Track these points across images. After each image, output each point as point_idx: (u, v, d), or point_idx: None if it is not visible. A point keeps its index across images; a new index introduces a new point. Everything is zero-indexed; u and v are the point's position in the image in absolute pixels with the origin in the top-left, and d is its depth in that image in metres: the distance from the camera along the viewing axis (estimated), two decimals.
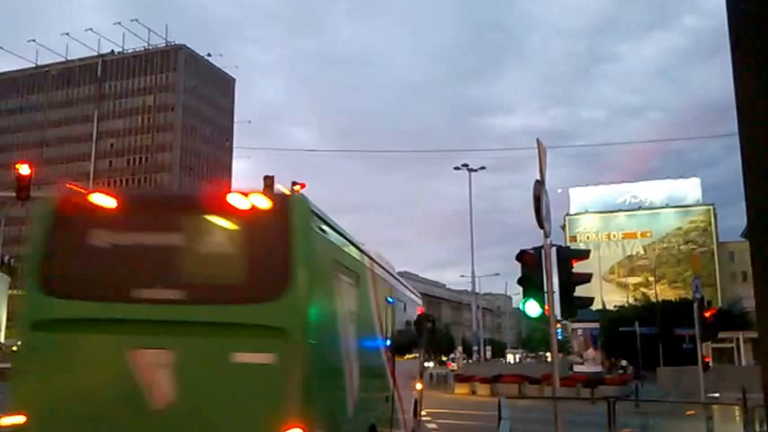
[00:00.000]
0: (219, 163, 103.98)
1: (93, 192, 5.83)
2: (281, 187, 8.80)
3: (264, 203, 5.50)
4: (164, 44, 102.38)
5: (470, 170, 46.25)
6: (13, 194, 18.24)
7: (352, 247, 7.16)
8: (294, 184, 20.86)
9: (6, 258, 78.29)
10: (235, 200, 5.44)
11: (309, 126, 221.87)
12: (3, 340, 78.28)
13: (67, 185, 8.10)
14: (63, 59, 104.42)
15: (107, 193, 5.71)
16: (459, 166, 46.26)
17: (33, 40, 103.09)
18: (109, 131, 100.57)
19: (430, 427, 17.49)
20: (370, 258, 8.22)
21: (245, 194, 5.49)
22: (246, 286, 5.41)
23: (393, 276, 10.37)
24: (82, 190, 6.12)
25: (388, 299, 9.32)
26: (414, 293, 13.14)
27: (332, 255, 6.26)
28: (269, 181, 20.94)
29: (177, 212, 5.84)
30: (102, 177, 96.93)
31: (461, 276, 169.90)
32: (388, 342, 8.91)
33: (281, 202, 5.66)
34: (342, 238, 6.72)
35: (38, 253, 5.72)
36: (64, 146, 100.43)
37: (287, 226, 5.41)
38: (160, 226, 5.72)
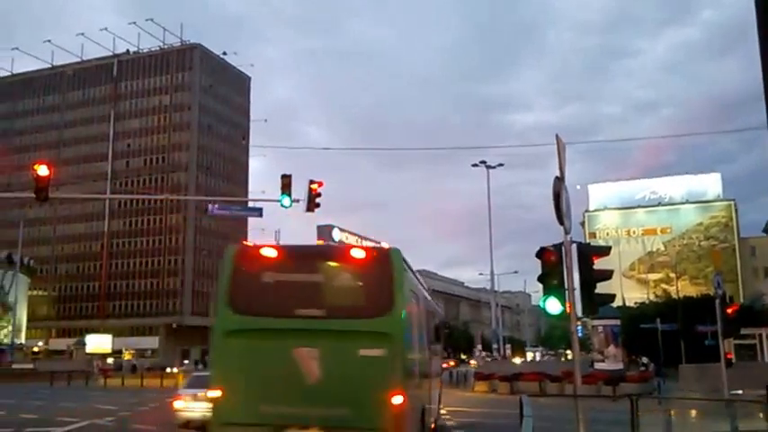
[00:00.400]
0: (236, 161, 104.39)
1: (264, 246, 9.07)
2: (381, 244, 10.73)
3: (374, 255, 8.90)
4: (179, 43, 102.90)
5: (488, 167, 46.02)
6: (33, 195, 18.38)
7: (415, 280, 10.34)
8: (312, 182, 20.88)
9: (26, 260, 79.32)
10: (355, 252, 8.81)
11: (324, 124, 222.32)
12: (24, 341, 79.53)
13: (242, 241, 10.74)
14: (79, 60, 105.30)
15: (272, 246, 9.05)
16: (477, 162, 46.03)
17: (49, 41, 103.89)
18: (125, 131, 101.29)
19: (450, 425, 17.37)
20: (422, 286, 11.83)
21: (363, 249, 8.95)
22: (365, 307, 8.60)
23: (429, 295, 13.71)
24: (253, 243, 9.45)
25: (428, 311, 12.30)
26: (438, 305, 16.98)
27: (409, 286, 9.41)
28: (286, 179, 21.00)
29: (318, 259, 9.23)
30: (120, 177, 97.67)
31: (480, 274, 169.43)
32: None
33: (385, 253, 8.92)
34: (412, 275, 9.81)
35: (226, 284, 8.82)
36: (81, 146, 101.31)
37: (389, 268, 8.65)
38: (307, 268, 8.98)
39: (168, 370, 56.89)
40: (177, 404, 16.78)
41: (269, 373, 8.31)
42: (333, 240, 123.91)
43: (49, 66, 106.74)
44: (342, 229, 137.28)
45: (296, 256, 9.28)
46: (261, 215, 24.52)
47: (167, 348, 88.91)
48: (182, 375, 46.47)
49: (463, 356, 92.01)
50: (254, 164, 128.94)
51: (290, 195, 20.21)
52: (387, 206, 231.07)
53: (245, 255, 9.05)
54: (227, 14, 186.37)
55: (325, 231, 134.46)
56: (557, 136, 10.17)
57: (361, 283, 8.93)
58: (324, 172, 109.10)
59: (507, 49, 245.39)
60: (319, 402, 8.13)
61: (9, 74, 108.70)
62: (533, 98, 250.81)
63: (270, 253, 8.89)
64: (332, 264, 9.14)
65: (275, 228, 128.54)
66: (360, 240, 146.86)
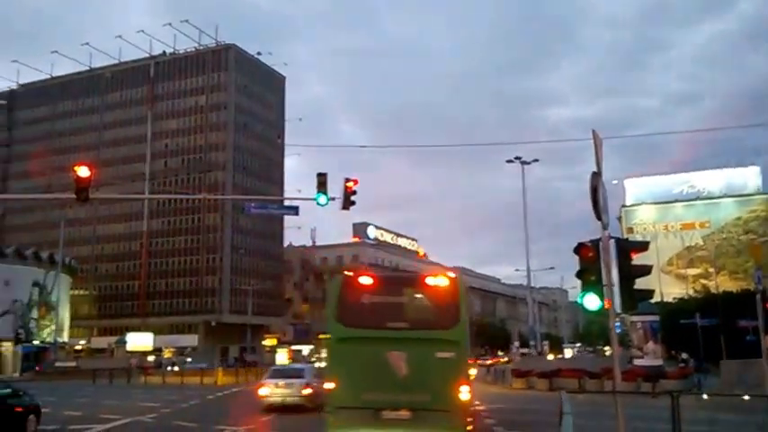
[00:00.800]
0: (271, 160, 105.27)
1: (362, 275, 12.08)
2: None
3: (445, 280, 11.66)
4: (214, 44, 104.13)
5: (523, 163, 45.55)
6: (74, 196, 18.78)
7: (466, 296, 12.52)
8: (347, 180, 20.97)
9: (68, 260, 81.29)
10: (429, 280, 11.68)
11: (358, 122, 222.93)
12: (66, 340, 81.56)
13: (344, 271, 13.83)
14: (116, 62, 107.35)
15: (368, 275, 12.10)
16: (512, 158, 45.59)
17: (87, 44, 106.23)
18: (163, 132, 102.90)
19: (489, 422, 17.31)
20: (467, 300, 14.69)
21: (435, 276, 11.73)
22: (438, 321, 11.46)
23: None
24: (353, 273, 12.36)
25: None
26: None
27: (466, 302, 12.11)
28: (322, 178, 21.14)
29: (402, 285, 12.95)
30: (158, 177, 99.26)
31: (516, 270, 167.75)
32: None
33: (453, 279, 11.80)
34: (465, 293, 12.50)
35: (335, 304, 11.73)
36: (119, 147, 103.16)
37: (455, 291, 11.64)
38: (395, 292, 12.21)
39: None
40: (262, 391, 21.52)
41: (369, 369, 11.23)
42: (368, 237, 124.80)
43: (88, 68, 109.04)
44: (377, 227, 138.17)
45: (386, 283, 13.12)
46: (297, 213, 24.71)
47: (206, 346, 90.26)
48: (221, 372, 47.25)
49: (500, 353, 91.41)
50: (290, 162, 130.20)
51: (325, 193, 20.31)
52: (421, 203, 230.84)
53: (349, 282, 12.10)
54: (261, 14, 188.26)
55: (360, 229, 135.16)
56: (593, 131, 10.07)
57: (434, 303, 11.90)
58: (358, 169, 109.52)
59: (541, 43, 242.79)
60: (407, 391, 11.05)
61: (49, 77, 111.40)
62: (568, 93, 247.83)
63: (367, 281, 12.00)
64: (413, 288, 12.33)
65: (311, 225, 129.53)
66: (395, 237, 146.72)
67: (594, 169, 9.84)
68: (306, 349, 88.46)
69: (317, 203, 20.38)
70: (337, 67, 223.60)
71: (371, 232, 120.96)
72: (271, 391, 21.03)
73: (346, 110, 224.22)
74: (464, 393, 11.03)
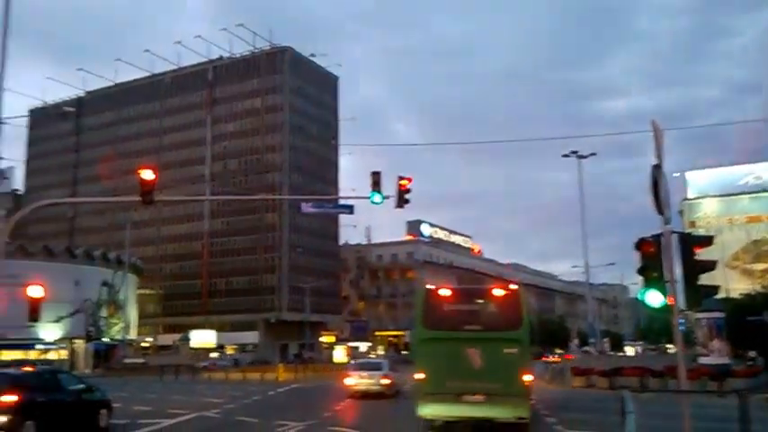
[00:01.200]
0: (326, 160, 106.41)
1: (442, 288, 15.03)
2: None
3: (508, 291, 14.55)
4: (269, 47, 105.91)
5: (580, 157, 44.66)
6: (139, 199, 19.47)
7: (526, 303, 15.19)
8: (401, 178, 21.04)
9: (134, 260, 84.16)
10: (496, 290, 14.64)
11: (411, 120, 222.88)
12: (135, 336, 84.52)
13: (427, 284, 16.80)
14: (176, 67, 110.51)
15: (447, 288, 15.06)
16: (568, 153, 44.74)
17: (148, 51, 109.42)
18: (221, 135, 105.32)
19: (549, 421, 17.12)
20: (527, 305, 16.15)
21: (501, 287, 14.75)
22: (505, 323, 14.11)
23: None
24: (435, 286, 15.27)
25: None
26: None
27: (526, 308, 14.86)
28: (376, 176, 21.26)
29: (475, 295, 15.50)
30: (218, 179, 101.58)
31: (573, 267, 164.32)
32: None
33: (516, 290, 14.68)
34: (525, 300, 15.15)
35: (421, 310, 14.73)
36: (180, 150, 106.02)
37: (518, 299, 14.43)
38: (469, 301, 15.06)
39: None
40: (348, 380, 26.05)
41: (450, 363, 14.08)
42: (422, 235, 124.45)
43: (149, 74, 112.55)
44: (431, 225, 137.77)
45: (461, 294, 15.63)
46: (352, 212, 24.83)
47: (267, 343, 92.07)
48: (282, 368, 48.16)
49: (558, 351, 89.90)
50: (344, 162, 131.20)
51: (379, 192, 20.38)
52: (475, 200, 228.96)
53: (431, 294, 15.02)
54: (314, 16, 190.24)
55: (414, 226, 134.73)
56: (653, 122, 9.85)
57: (501, 309, 14.61)
58: (412, 167, 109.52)
59: (596, 34, 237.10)
60: (481, 379, 13.84)
61: (113, 84, 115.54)
62: (625, 84, 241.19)
63: (445, 292, 14.98)
64: (483, 298, 15.12)
65: (366, 224, 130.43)
66: (449, 235, 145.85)
67: (655, 161, 9.63)
68: (363, 346, 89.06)
69: (372, 202, 20.47)
70: (389, 67, 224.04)
71: (426, 230, 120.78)
72: (356, 380, 25.56)
73: (399, 108, 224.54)
74: (526, 380, 13.98)
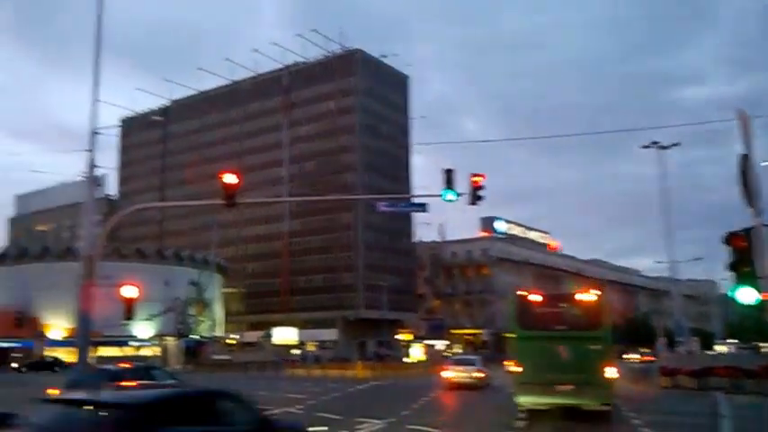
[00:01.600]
0: (398, 159, 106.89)
1: (532, 293, 17.76)
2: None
3: (592, 296, 17.05)
4: (341, 50, 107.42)
5: (661, 147, 42.96)
6: (222, 202, 20.27)
7: (607, 306, 17.96)
8: (474, 175, 20.94)
9: (219, 260, 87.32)
10: (579, 295, 17.25)
11: (483, 116, 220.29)
12: (221, 334, 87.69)
13: (517, 290, 19.14)
14: (253, 74, 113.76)
15: (537, 293, 17.86)
16: (648, 144, 43.13)
17: (228, 59, 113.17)
18: (298, 137, 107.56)
19: (635, 423, 16.64)
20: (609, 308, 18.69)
21: (585, 292, 17.25)
22: (589, 324, 16.77)
23: None
24: (527, 292, 17.99)
25: None
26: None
27: (608, 310, 17.67)
28: (449, 174, 21.26)
29: (562, 300, 18.75)
30: (295, 180, 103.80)
31: (657, 262, 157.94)
32: None
33: (598, 295, 17.11)
34: (607, 303, 17.83)
35: (515, 312, 17.46)
36: (259, 154, 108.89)
37: (600, 303, 17.14)
38: (557, 304, 17.98)
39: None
40: (445, 373, 29.70)
41: (542, 358, 16.49)
42: (496, 231, 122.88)
43: (229, 82, 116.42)
44: (507, 221, 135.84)
45: (549, 298, 18.19)
46: (425, 210, 24.71)
47: (345, 340, 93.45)
48: (360, 365, 48.81)
49: (643, 350, 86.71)
50: (416, 160, 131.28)
51: (452, 189, 20.34)
52: (552, 194, 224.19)
53: (523, 298, 17.59)
54: (385, 17, 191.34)
55: (488, 223, 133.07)
56: (739, 110, 9.43)
57: (585, 312, 16.99)
58: (485, 164, 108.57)
59: (673, 19, 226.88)
60: (569, 372, 16.12)
61: (196, 92, 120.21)
62: (706, 71, 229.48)
63: (536, 297, 17.56)
64: (569, 302, 17.80)
65: (439, 221, 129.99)
66: (525, 231, 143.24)
67: (742, 151, 9.22)
68: (439, 344, 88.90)
69: (444, 200, 20.44)
70: (460, 63, 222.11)
71: (500, 226, 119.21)
72: (453, 374, 29.44)
73: (471, 105, 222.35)
74: (608, 373, 16.33)
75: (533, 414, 16.89)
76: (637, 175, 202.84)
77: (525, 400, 16.95)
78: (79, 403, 7.11)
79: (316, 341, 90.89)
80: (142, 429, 6.34)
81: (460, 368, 29.92)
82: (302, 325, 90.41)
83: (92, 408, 6.93)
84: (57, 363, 55.54)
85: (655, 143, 43.00)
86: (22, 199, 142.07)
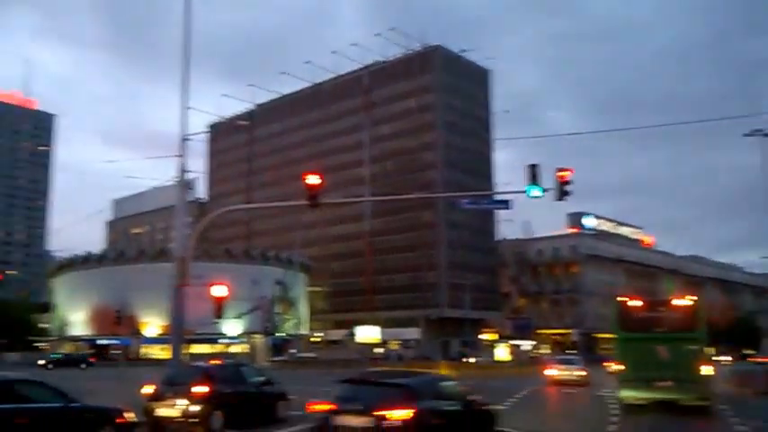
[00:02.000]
0: (480, 155, 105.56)
1: (633, 299, 20.28)
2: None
3: (689, 301, 19.33)
4: (420, 47, 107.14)
5: (765, 135, 40.18)
6: (306, 203, 20.54)
7: (703, 310, 20.01)
8: (561, 170, 20.20)
9: (303, 260, 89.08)
10: (676, 300, 19.67)
11: (570, 108, 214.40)
12: (306, 332, 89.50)
13: (619, 296, 21.16)
14: (334, 76, 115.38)
15: (637, 299, 20.47)
16: (751, 131, 40.44)
17: (309, 62, 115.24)
18: (378, 137, 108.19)
19: (740, 429, 15.61)
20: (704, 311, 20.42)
21: (682, 297, 19.72)
22: (686, 326, 18.88)
23: None
24: (628, 298, 20.53)
25: None
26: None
27: (703, 314, 19.99)
28: (533, 169, 20.61)
29: (661, 305, 20.48)
30: (377, 180, 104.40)
31: (764, 258, 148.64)
32: None
33: (695, 300, 19.43)
34: (702, 307, 20.03)
35: (617, 316, 19.82)
36: (340, 155, 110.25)
37: (696, 307, 19.29)
38: (656, 309, 20.03)
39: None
40: (548, 371, 32.88)
41: (644, 357, 18.27)
42: (585, 228, 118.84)
43: (310, 84, 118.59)
44: (596, 216, 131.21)
45: (649, 303, 20.28)
46: (508, 207, 23.90)
47: (428, 339, 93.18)
48: (444, 365, 48.47)
49: (747, 351, 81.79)
50: (499, 155, 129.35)
51: (537, 185, 19.71)
52: (644, 188, 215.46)
53: (625, 303, 19.75)
54: (465, 12, 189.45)
55: (576, 219, 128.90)
56: None
57: (682, 315, 18.89)
58: (572, 157, 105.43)
59: None
60: (669, 369, 17.95)
61: (279, 95, 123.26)
62: None
63: (636, 303, 19.75)
64: (667, 307, 19.59)
65: (523, 218, 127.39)
66: (616, 226, 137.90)
67: None
68: (526, 345, 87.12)
69: (529, 196, 19.83)
70: (543, 55, 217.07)
71: (589, 222, 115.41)
72: (556, 372, 32.45)
73: (556, 97, 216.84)
74: (704, 370, 18.20)
75: (632, 408, 18.67)
76: (738, 166, 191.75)
77: (627, 395, 18.85)
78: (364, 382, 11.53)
79: (398, 340, 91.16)
80: None
81: (563, 367, 32.94)
82: (385, 324, 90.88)
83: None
84: (84, 360, 56.83)
85: (758, 131, 40.27)
86: (118, 203, 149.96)
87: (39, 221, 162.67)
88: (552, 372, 32.69)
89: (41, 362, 55.81)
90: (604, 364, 41.89)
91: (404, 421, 9.52)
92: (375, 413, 9.62)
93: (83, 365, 52.60)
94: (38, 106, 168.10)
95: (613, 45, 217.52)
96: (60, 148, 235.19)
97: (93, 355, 66.14)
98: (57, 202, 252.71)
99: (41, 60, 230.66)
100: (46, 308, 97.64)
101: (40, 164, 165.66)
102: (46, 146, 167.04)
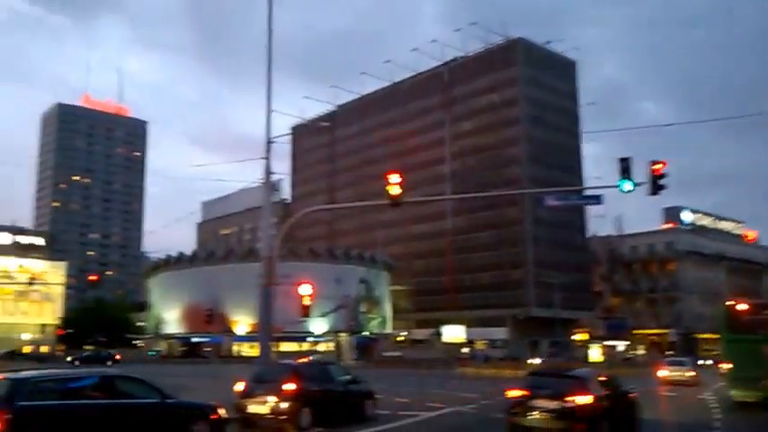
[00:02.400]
0: (567, 149, 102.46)
1: (740, 302, 21.27)
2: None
3: (746, 305, 21.00)
4: (501, 41, 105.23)
5: None
6: (387, 201, 20.56)
7: None
8: (654, 163, 19.22)
9: (386, 258, 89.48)
10: (738, 305, 21.04)
11: (660, 98, 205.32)
12: (390, 330, 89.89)
13: (727, 300, 22.34)
14: (414, 73, 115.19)
15: (744, 302, 21.46)
16: None
17: (389, 61, 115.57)
18: (459, 133, 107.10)
19: None
20: None
21: (745, 302, 21.58)
22: None
23: None
24: (735, 301, 21.68)
25: None
26: None
27: None
28: (625, 163, 19.68)
29: (766, 308, 22.02)
30: (458, 177, 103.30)
31: None
32: None
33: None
34: None
35: (724, 319, 20.92)
36: (420, 153, 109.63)
37: None
38: (763, 312, 21.13)
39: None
40: (660, 372, 34.77)
41: (750, 357, 18.96)
42: (682, 222, 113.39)
43: (389, 83, 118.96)
44: (693, 210, 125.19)
45: (756, 306, 21.21)
46: (599, 202, 22.83)
47: (516, 339, 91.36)
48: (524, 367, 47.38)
49: None
50: (587, 149, 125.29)
51: (630, 179, 18.80)
52: (745, 179, 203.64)
53: (732, 307, 20.71)
54: (547, 3, 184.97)
55: (672, 213, 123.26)
56: None
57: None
58: (666, 150, 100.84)
59: None
60: None
61: (359, 96, 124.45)
62: None
63: (743, 306, 20.60)
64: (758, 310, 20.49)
65: (614, 213, 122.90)
66: (715, 221, 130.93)
67: None
68: (621, 345, 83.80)
69: (621, 190, 18.95)
70: (631, 44, 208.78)
71: (687, 216, 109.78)
72: (668, 372, 34.49)
73: (646, 87, 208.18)
74: None
75: (741, 404, 19.81)
76: None
77: (736, 393, 20.06)
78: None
79: (485, 340, 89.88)
80: None
81: (674, 368, 35.12)
82: (470, 323, 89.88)
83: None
84: (111, 357, 57.51)
85: None
86: (207, 205, 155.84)
87: (134, 224, 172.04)
88: (664, 372, 34.81)
89: (69, 359, 57.54)
90: (718, 365, 42.06)
91: (586, 405, 12.27)
92: (565, 398, 12.33)
93: (108, 363, 54.23)
94: (130, 113, 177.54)
95: (705, 30, 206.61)
96: (152, 153, 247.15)
97: (184, 353, 68.69)
98: (150, 206, 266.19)
99: (132, 68, 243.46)
100: (142, 307, 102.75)
101: (134, 169, 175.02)
102: (139, 152, 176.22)
